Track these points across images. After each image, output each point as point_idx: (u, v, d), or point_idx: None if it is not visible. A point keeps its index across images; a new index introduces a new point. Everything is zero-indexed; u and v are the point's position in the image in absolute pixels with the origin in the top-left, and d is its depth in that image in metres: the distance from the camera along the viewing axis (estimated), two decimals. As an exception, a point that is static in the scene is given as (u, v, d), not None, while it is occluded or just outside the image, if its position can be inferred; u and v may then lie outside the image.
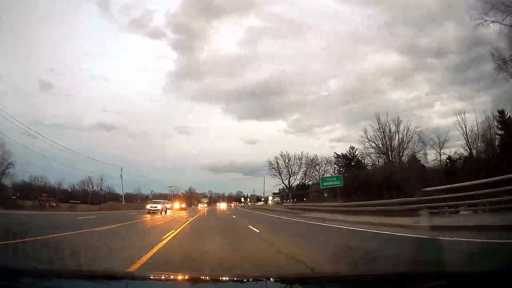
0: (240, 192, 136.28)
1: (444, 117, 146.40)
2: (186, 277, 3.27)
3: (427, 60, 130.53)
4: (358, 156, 52.26)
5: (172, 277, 3.40)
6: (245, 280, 3.08)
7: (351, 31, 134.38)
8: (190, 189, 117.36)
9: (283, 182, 66.25)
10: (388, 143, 43.37)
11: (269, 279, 3.04)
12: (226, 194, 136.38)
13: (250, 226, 15.67)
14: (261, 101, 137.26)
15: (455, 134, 63.59)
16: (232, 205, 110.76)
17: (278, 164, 65.35)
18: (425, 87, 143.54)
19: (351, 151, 54.51)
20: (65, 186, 73.35)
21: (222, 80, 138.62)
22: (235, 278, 3.20)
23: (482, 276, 2.32)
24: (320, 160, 63.80)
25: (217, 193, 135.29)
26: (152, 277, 3.30)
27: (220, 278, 3.24)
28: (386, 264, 6.01)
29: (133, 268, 5.72)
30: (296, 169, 65.26)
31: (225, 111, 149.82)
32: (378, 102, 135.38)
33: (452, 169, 35.56)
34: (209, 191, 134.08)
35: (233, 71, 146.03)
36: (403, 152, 42.35)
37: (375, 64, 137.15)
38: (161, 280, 3.10)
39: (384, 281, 2.69)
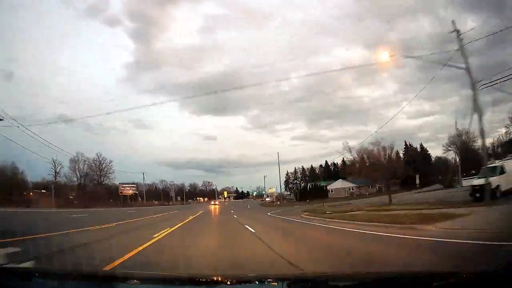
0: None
1: (413, 117, 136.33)
2: (182, 277, 3.29)
3: (396, 56, 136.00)
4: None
5: (165, 277, 3.41)
6: (243, 281, 3.07)
7: (316, 21, 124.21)
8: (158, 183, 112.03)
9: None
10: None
11: (267, 280, 3.04)
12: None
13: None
14: (219, 95, 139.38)
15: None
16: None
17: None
18: (392, 85, 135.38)
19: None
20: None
21: (179, 72, 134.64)
22: (232, 279, 3.15)
23: (483, 276, 2.33)
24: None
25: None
26: (144, 277, 3.32)
27: (216, 279, 3.17)
28: None
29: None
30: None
31: (183, 105, 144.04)
32: (341, 99, 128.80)
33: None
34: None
35: (191, 62, 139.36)
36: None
37: (340, 59, 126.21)
38: (154, 280, 3.11)
39: (384, 281, 2.71)
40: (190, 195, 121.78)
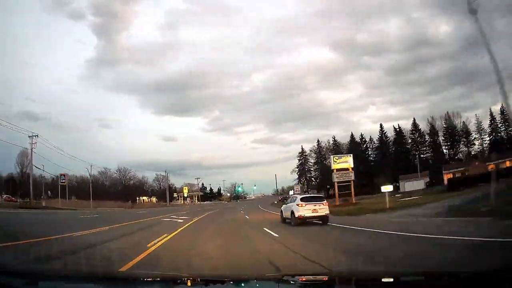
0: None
1: (378, 121, 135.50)
2: (187, 278, 3.26)
3: (363, 59, 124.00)
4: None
5: (171, 277, 3.48)
6: (246, 280, 3.11)
7: (281, 19, 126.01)
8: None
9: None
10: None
11: (269, 279, 3.24)
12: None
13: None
14: (180, 95, 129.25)
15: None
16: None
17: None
18: (359, 88, 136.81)
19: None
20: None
21: (140, 69, 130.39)
22: (235, 278, 3.27)
23: (483, 276, 2.32)
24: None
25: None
26: (150, 278, 3.41)
27: (221, 279, 3.25)
28: None
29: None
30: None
31: (144, 105, 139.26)
32: (305, 102, 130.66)
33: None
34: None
35: (152, 60, 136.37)
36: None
37: (304, 60, 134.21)
38: (158, 280, 3.18)
39: (384, 281, 2.75)
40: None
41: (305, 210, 15.62)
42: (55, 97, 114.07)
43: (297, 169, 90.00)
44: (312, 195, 20.50)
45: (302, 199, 16.35)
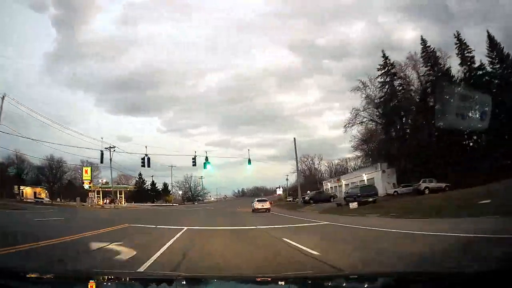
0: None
1: (336, 127, 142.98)
2: (192, 277, 3.38)
3: (323, 62, 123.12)
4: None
5: (176, 277, 3.49)
6: (248, 280, 3.14)
7: (240, 18, 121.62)
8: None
9: None
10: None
11: (276, 280, 3.11)
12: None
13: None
14: (135, 94, 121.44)
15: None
16: None
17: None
18: (316, 93, 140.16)
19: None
20: None
21: (97, 66, 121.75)
22: (242, 279, 3.30)
23: (483, 276, 2.32)
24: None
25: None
26: (156, 278, 3.47)
27: (228, 278, 3.33)
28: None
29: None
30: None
31: (99, 103, 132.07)
32: (261, 105, 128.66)
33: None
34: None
35: (109, 56, 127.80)
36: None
37: (262, 61, 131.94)
38: (165, 280, 3.13)
39: (383, 281, 2.81)
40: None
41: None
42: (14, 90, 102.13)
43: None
44: None
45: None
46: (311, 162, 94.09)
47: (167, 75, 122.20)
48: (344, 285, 2.83)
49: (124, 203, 68.43)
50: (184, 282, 2.97)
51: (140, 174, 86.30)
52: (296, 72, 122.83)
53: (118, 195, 70.01)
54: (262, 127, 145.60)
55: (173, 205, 73.45)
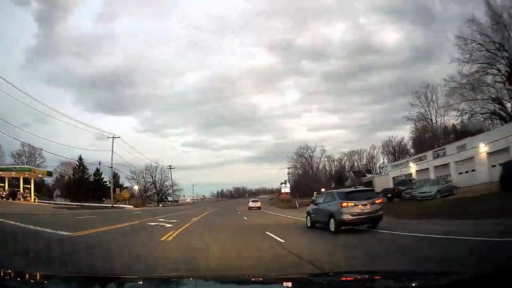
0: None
1: (314, 129, 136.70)
2: (190, 278, 3.28)
3: (302, 63, 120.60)
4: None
5: (172, 278, 3.34)
6: (245, 281, 3.10)
7: (219, 16, 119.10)
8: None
9: None
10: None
11: (273, 280, 3.13)
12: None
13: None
14: (113, 92, 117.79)
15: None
16: None
17: None
18: (295, 94, 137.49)
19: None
20: None
21: (75, 62, 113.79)
22: (239, 279, 3.24)
23: (483, 276, 2.31)
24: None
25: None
26: (154, 278, 3.32)
27: (224, 279, 3.21)
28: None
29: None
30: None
31: (78, 101, 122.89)
32: (238, 105, 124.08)
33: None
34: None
35: (88, 53, 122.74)
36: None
37: (240, 61, 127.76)
38: (163, 281, 3.08)
39: (385, 280, 2.77)
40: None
41: None
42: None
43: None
44: None
45: None
46: (310, 154, 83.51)
47: (145, 73, 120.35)
48: (342, 284, 2.76)
49: (34, 199, 40.26)
50: (184, 282, 2.95)
51: (80, 158, 59.61)
52: (275, 72, 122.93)
53: (22, 185, 41.02)
54: (239, 128, 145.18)
55: (125, 207, 47.80)
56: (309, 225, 13.02)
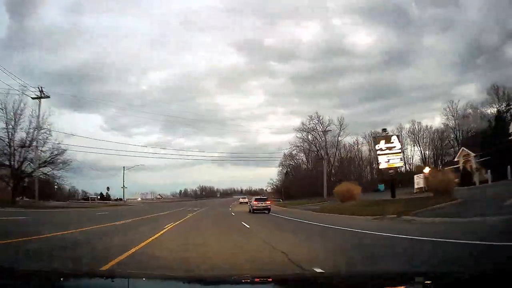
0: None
1: (278, 133, 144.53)
2: (180, 277, 3.49)
3: (269, 64, 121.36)
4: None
5: (164, 277, 3.48)
6: (242, 281, 3.08)
7: (185, 12, 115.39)
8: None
9: None
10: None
11: (267, 280, 3.13)
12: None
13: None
14: (79, 88, 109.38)
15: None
16: None
17: None
18: (261, 96, 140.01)
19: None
20: None
21: (43, 55, 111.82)
22: (231, 279, 3.24)
23: (483, 276, 2.35)
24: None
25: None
26: (156, 277, 3.39)
27: (213, 279, 3.30)
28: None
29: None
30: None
31: (45, 95, 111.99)
32: (202, 106, 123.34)
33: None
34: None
35: (56, 46, 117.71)
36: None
37: (205, 60, 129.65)
38: (152, 279, 3.14)
39: (384, 281, 2.74)
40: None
41: None
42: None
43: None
44: None
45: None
46: (321, 124, 63.99)
47: (111, 70, 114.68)
48: (341, 285, 2.77)
49: None
50: (184, 282, 2.95)
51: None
52: (241, 73, 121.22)
53: None
54: (202, 129, 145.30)
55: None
56: (249, 211, 30.78)
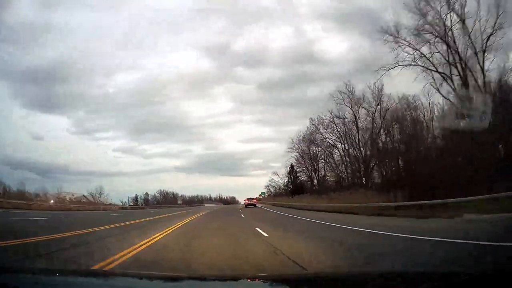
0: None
1: (245, 141, 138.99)
2: (178, 276, 3.35)
3: (237, 69, 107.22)
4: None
5: (161, 276, 3.48)
6: (241, 280, 3.11)
7: (154, 10, 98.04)
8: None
9: None
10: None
11: (266, 279, 3.10)
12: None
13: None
14: (47, 88, 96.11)
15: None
16: None
17: None
18: (228, 103, 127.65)
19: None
20: None
21: (14, 53, 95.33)
22: (229, 278, 3.23)
23: (483, 276, 2.38)
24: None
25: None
26: (156, 277, 3.27)
27: (212, 278, 3.24)
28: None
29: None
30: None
31: (12, 95, 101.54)
32: (168, 111, 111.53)
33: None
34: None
35: (25, 43, 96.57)
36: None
37: (172, 63, 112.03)
38: (150, 278, 3.09)
39: (384, 280, 2.72)
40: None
41: None
42: None
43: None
44: None
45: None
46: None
47: (78, 70, 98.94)
48: (343, 285, 2.75)
49: None
50: (184, 282, 2.94)
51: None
52: (207, 78, 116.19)
53: None
54: (168, 136, 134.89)
55: None
56: (243, 207, 48.42)
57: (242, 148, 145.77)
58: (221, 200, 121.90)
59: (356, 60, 62.58)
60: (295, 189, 51.66)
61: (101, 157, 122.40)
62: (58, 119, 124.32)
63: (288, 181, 58.57)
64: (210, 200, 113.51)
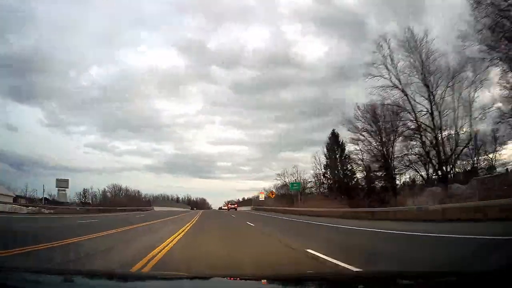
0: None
1: (216, 143, 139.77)
2: (188, 276, 3.35)
3: (211, 68, 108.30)
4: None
5: (169, 276, 3.51)
6: (244, 280, 3.17)
7: (129, 7, 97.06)
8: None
9: None
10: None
11: (270, 279, 3.05)
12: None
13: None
14: (22, 77, 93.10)
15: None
16: None
17: None
18: (200, 103, 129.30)
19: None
20: None
21: None
22: (238, 278, 3.23)
23: (483, 276, 2.35)
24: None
25: None
26: (155, 277, 3.38)
27: (223, 278, 3.21)
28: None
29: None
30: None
31: None
32: (140, 109, 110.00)
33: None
34: None
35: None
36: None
37: (146, 60, 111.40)
38: (163, 279, 3.15)
39: (384, 280, 2.71)
40: None
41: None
42: None
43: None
44: None
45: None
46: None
47: (52, 61, 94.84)
48: (349, 285, 2.74)
49: None
50: (184, 281, 2.94)
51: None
52: (180, 76, 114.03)
53: None
54: (139, 134, 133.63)
55: None
56: (226, 211, 60.20)
57: (212, 150, 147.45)
58: (189, 203, 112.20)
59: (333, 67, 67.80)
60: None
61: (72, 151, 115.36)
62: (32, 110, 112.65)
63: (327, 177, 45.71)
64: (176, 202, 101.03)
